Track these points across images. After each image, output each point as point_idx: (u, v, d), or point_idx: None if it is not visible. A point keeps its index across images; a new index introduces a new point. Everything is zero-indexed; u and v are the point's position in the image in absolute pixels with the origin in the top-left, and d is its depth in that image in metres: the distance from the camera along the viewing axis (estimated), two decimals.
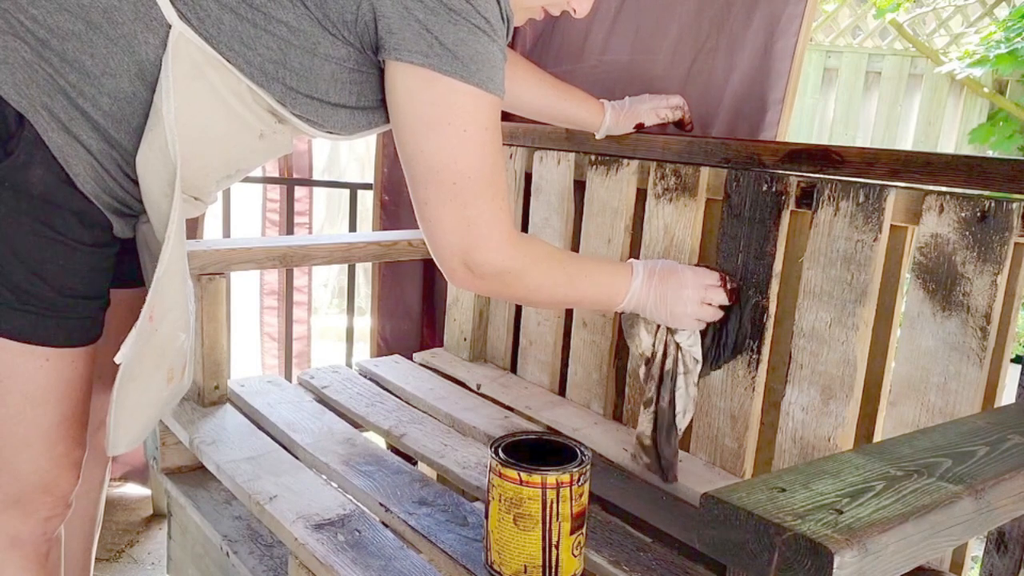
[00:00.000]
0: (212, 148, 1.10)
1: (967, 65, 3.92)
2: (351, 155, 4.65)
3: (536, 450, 1.10)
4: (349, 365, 2.07)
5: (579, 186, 1.69)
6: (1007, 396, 1.11)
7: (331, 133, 1.13)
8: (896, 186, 1.19)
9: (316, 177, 2.98)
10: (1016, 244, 1.08)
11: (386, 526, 1.25)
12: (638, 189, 1.56)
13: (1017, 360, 2.02)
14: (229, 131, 1.09)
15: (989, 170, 1.11)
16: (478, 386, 1.79)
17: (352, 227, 2.47)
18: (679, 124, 1.57)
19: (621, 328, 1.45)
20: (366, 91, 1.09)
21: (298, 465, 1.43)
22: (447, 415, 1.64)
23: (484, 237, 1.07)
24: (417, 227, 1.12)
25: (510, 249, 1.10)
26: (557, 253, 1.23)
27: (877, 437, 1.27)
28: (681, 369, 1.32)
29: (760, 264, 1.32)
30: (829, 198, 1.24)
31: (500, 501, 1.05)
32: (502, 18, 1.03)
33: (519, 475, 1.02)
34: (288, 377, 2.38)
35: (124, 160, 1.06)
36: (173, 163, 1.03)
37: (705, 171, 1.43)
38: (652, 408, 1.36)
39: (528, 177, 1.81)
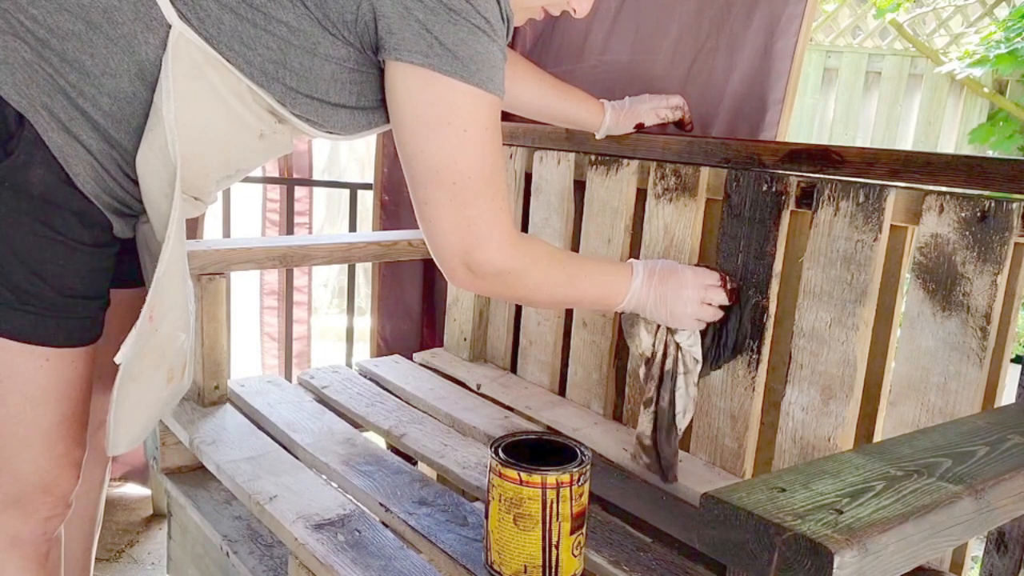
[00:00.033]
0: (212, 148, 1.10)
1: (967, 65, 3.92)
2: (351, 155, 4.65)
3: (536, 450, 1.10)
4: (349, 365, 2.07)
5: (579, 186, 1.69)
6: (1007, 396, 1.11)
7: (331, 133, 1.13)
8: (896, 186, 1.19)
9: (316, 177, 2.98)
10: (1016, 244, 1.08)
11: (386, 526, 1.25)
12: (638, 189, 1.56)
13: (1017, 360, 2.02)
14: (229, 131, 1.09)
15: (989, 170, 1.11)
16: (478, 386, 1.79)
17: (352, 227, 2.47)
18: (679, 124, 1.57)
19: (621, 328, 1.45)
20: (366, 91, 1.09)
21: (298, 465, 1.43)
22: (447, 415, 1.64)
23: (484, 237, 1.07)
24: (417, 227, 1.12)
25: (510, 249, 1.10)
26: (557, 253, 1.23)
27: (877, 437, 1.27)
28: (681, 369, 1.32)
29: (760, 264, 1.32)
30: (829, 198, 1.24)
31: (500, 501, 1.05)
32: (502, 18, 1.03)
33: (519, 475, 1.02)
34: (288, 377, 2.38)
35: (124, 160, 1.06)
36: (173, 163, 1.03)
37: (705, 171, 1.43)
38: (652, 408, 1.36)
39: (528, 177, 1.81)
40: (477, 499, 1.35)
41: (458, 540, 1.17)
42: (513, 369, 1.88)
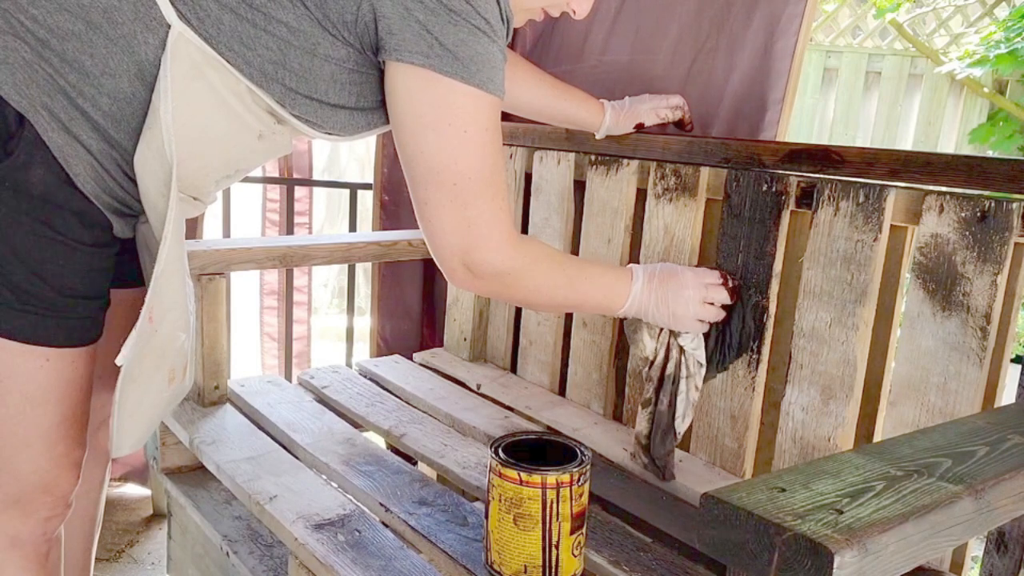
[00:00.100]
0: (211, 148, 1.10)
1: (967, 65, 3.92)
2: (351, 155, 4.65)
3: (536, 450, 1.10)
4: (349, 365, 2.07)
5: (579, 186, 1.69)
6: (1007, 396, 1.11)
7: (330, 134, 1.13)
8: (896, 186, 1.19)
9: (316, 177, 2.98)
10: (1016, 244, 1.08)
11: (386, 526, 1.25)
12: (638, 189, 1.56)
13: (1017, 360, 2.02)
14: (228, 131, 1.09)
15: (989, 170, 1.11)
16: (478, 386, 1.79)
17: (352, 227, 2.47)
18: (679, 124, 1.57)
19: (621, 328, 1.45)
20: (366, 92, 1.09)
21: (298, 465, 1.43)
22: (447, 415, 1.64)
23: (484, 237, 1.07)
24: (417, 227, 1.12)
25: (510, 250, 1.10)
26: (557, 255, 1.23)
27: (877, 437, 1.27)
28: (683, 373, 1.32)
29: (760, 264, 1.32)
30: (829, 198, 1.24)
31: (500, 501, 1.05)
32: (502, 19, 1.03)
33: (519, 475, 1.02)
34: (288, 377, 2.38)
35: (124, 160, 1.06)
36: (169, 163, 1.03)
37: (705, 171, 1.43)
38: (650, 409, 1.36)
39: (528, 177, 1.81)
40: (477, 499, 1.35)
41: (458, 540, 1.17)
42: (513, 369, 1.88)
